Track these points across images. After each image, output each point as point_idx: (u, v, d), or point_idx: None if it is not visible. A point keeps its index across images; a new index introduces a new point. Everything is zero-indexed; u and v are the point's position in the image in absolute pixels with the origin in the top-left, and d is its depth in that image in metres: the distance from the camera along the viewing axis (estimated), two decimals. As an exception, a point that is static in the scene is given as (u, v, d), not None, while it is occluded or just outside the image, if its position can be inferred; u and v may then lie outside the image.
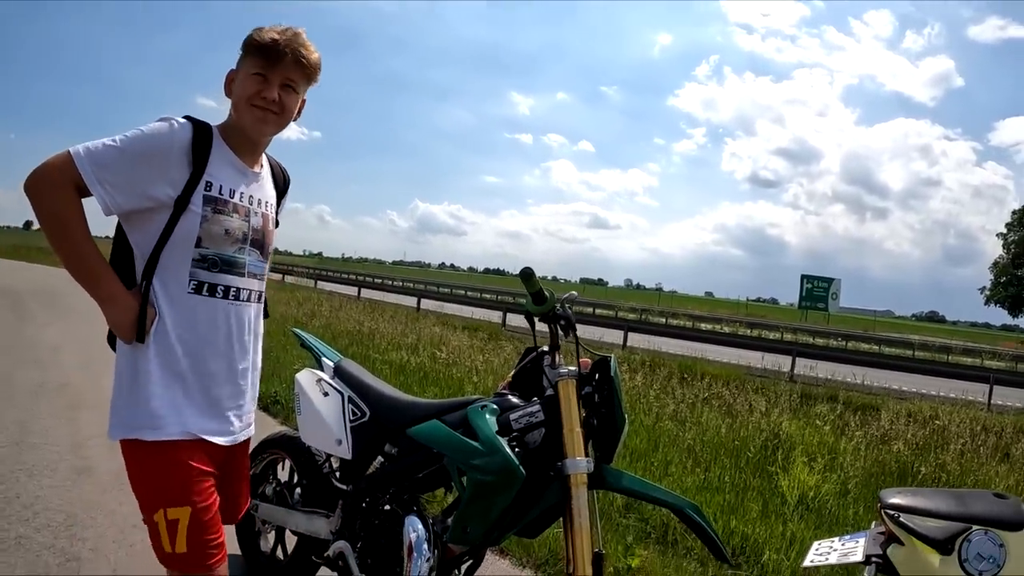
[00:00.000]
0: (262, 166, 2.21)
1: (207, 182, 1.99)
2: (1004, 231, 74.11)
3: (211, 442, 2.03)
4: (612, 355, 2.52)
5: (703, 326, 30.53)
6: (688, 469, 5.86)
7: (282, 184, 2.35)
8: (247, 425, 2.20)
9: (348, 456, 2.77)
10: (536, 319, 2.53)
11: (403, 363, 9.47)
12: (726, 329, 29.78)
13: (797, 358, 17.42)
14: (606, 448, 2.41)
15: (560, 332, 2.50)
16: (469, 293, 35.42)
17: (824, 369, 14.86)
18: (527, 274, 2.39)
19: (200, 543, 1.97)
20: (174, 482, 1.96)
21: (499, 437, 2.32)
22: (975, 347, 34.76)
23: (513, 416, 2.43)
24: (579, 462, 2.30)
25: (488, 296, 32.66)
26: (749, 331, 29.61)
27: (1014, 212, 74.49)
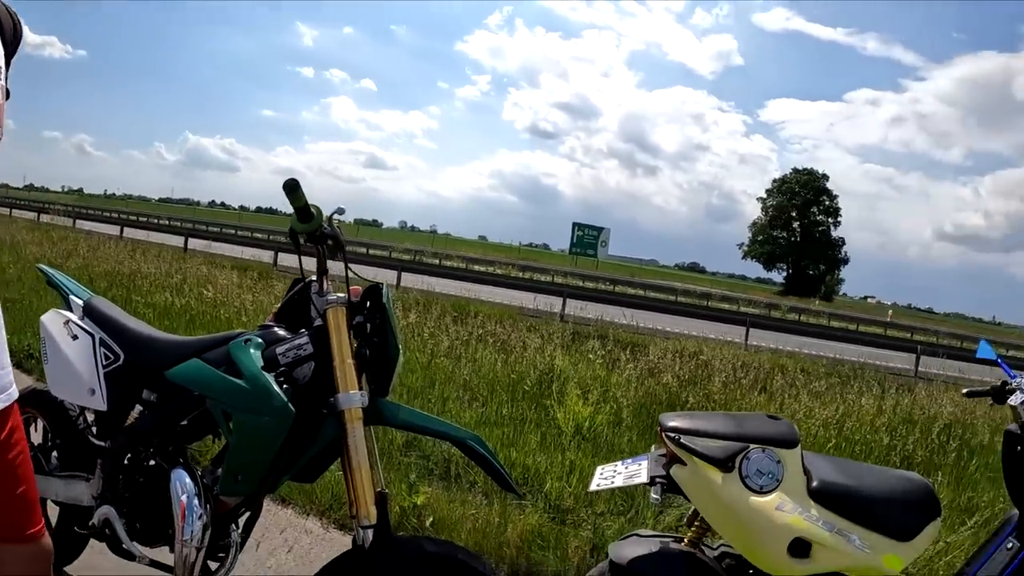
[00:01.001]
0: None
1: None
2: (764, 196, 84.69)
3: None
4: (384, 282, 2.31)
5: (477, 267, 30.94)
6: (466, 404, 5.90)
7: (11, 35, 1.67)
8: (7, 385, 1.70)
9: (103, 407, 2.42)
10: (303, 239, 2.25)
11: (167, 305, 8.80)
12: (499, 271, 30.35)
13: (568, 299, 18.05)
14: (381, 381, 2.21)
15: (328, 254, 2.28)
16: (240, 233, 34.12)
17: (593, 310, 15.41)
18: (291, 186, 2.12)
19: None
20: None
21: (265, 373, 2.10)
22: (732, 295, 37.75)
23: (280, 350, 2.19)
24: (352, 396, 2.11)
25: (259, 235, 31.29)
26: (521, 273, 30.25)
27: (775, 180, 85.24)
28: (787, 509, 2.19)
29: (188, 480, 2.20)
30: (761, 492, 2.22)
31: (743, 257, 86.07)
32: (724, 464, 2.25)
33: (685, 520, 2.76)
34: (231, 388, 2.11)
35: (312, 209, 2.19)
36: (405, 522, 3.82)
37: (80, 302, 2.64)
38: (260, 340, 2.21)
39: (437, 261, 31.49)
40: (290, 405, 2.06)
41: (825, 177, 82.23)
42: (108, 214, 39.40)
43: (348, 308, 2.21)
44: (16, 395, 1.69)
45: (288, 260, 19.12)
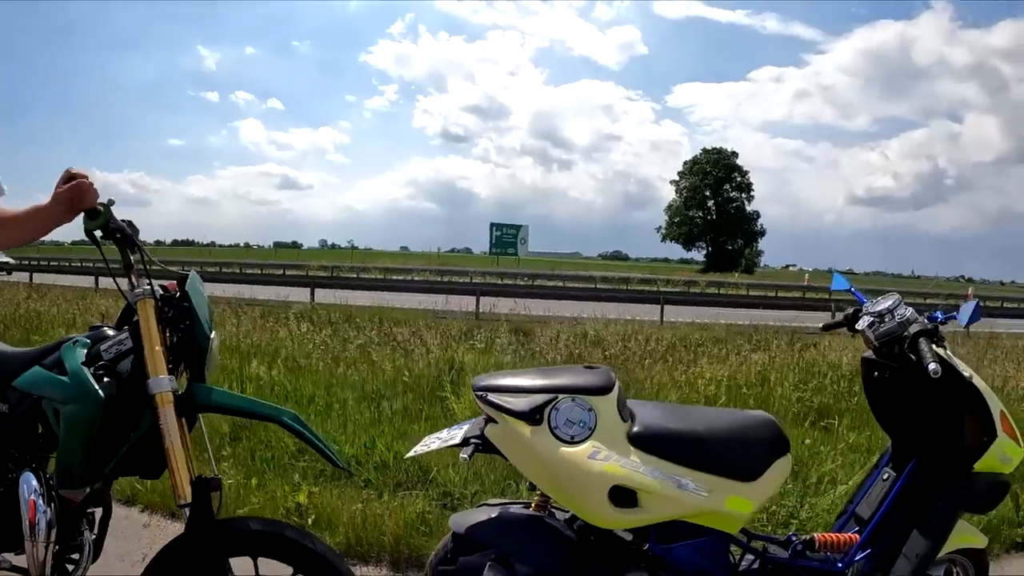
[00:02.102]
0: None
1: None
2: (677, 178, 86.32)
3: None
4: (192, 270, 2.37)
5: (395, 277, 30.84)
6: (364, 405, 5.89)
7: None
8: None
9: None
10: (100, 238, 2.26)
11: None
12: (417, 278, 30.28)
13: (482, 297, 18.10)
14: (195, 367, 2.27)
15: (130, 248, 2.29)
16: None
17: (507, 305, 15.46)
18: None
19: None
20: None
21: (84, 368, 2.13)
22: (652, 277, 38.18)
23: (104, 347, 2.23)
24: (161, 380, 2.12)
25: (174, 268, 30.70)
26: (440, 278, 30.21)
27: (686, 162, 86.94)
28: (600, 457, 2.13)
29: (34, 481, 2.21)
30: (572, 442, 2.15)
31: (662, 240, 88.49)
32: (532, 417, 2.19)
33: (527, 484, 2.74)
34: (56, 385, 2.14)
35: (99, 206, 2.20)
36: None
37: None
38: (87, 340, 2.26)
39: (355, 275, 31.26)
40: (100, 392, 2.09)
41: (735, 155, 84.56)
42: (23, 262, 38.10)
43: (160, 298, 2.24)
44: None
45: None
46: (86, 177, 2.18)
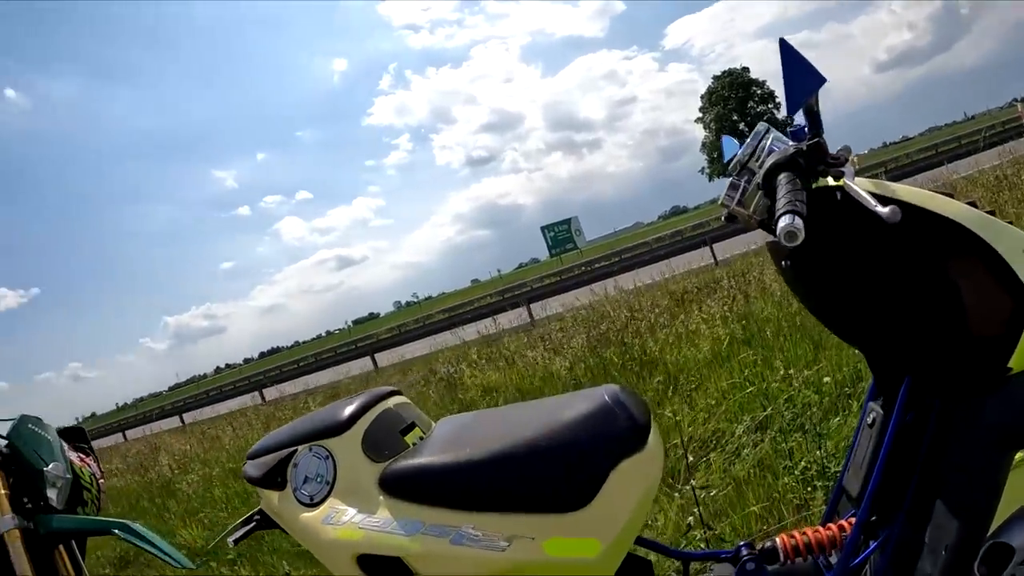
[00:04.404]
0: None
1: None
2: (700, 115, 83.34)
3: None
4: (21, 415, 2.48)
5: (462, 311, 30.81)
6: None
7: None
8: None
9: None
10: None
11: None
12: (480, 304, 30.18)
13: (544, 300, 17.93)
14: (40, 499, 2.38)
15: None
16: (224, 388, 34.83)
17: (562, 301, 15.15)
18: None
19: None
20: None
21: None
22: (705, 220, 37.33)
23: None
24: (4, 519, 2.20)
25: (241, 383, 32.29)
26: (501, 298, 29.99)
27: (702, 95, 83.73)
28: (333, 520, 1.54)
29: None
30: (311, 504, 1.60)
31: (710, 180, 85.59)
32: (272, 481, 1.67)
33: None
34: None
35: None
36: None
37: None
38: None
39: (420, 324, 31.29)
40: None
41: (746, 70, 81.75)
42: (120, 422, 39.67)
43: None
44: None
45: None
46: None
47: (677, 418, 4.02)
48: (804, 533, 1.69)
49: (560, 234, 66.34)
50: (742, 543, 1.73)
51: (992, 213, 1.45)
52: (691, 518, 2.89)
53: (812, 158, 1.49)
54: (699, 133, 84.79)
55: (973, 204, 1.45)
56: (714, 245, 19.04)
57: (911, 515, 1.53)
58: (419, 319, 36.46)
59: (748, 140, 1.65)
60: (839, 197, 1.46)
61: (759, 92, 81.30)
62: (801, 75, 1.50)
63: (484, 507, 1.46)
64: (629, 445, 1.47)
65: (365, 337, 35.25)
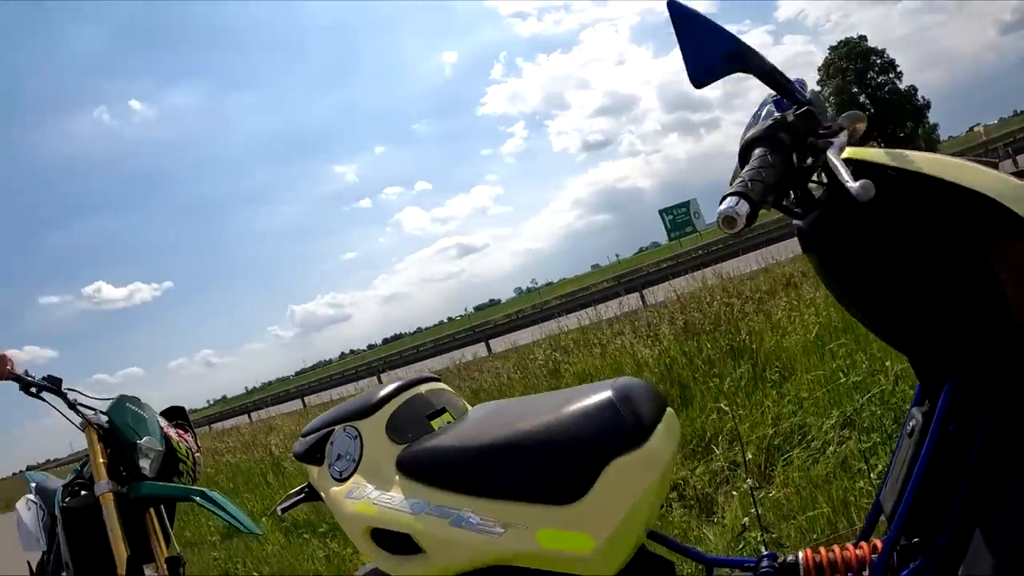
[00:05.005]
0: None
1: None
2: (817, 88, 78.35)
3: None
4: (117, 397, 3.08)
5: (578, 297, 30.75)
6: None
7: None
8: None
9: None
10: (36, 393, 3.00)
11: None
12: (595, 290, 30.03)
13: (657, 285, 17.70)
14: (133, 468, 2.86)
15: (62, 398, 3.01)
16: (346, 373, 35.18)
17: (673, 286, 14.88)
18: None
19: None
20: None
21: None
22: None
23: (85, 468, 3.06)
24: (101, 484, 2.76)
25: (362, 368, 32.96)
26: (617, 283, 29.74)
27: (819, 68, 77.96)
28: (355, 494, 1.66)
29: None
30: (340, 479, 1.72)
31: None
32: (314, 457, 1.81)
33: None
34: None
35: (13, 375, 2.99)
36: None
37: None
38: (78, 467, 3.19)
39: (538, 310, 31.40)
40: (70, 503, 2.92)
41: (863, 39, 76.35)
42: (246, 405, 41.18)
43: (98, 428, 2.92)
44: None
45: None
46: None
47: (753, 411, 3.83)
48: (832, 550, 1.49)
49: (679, 217, 65.26)
50: (766, 553, 1.58)
51: None
52: (747, 519, 2.73)
53: (800, 129, 1.30)
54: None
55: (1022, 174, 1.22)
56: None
57: (951, 540, 1.28)
58: (536, 305, 36.67)
59: (753, 113, 1.44)
60: (892, 174, 1.25)
61: (878, 62, 75.82)
62: (701, 40, 1.30)
63: (484, 493, 1.50)
64: (626, 442, 1.42)
65: (481, 324, 35.68)
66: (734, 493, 3.19)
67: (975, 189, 1.20)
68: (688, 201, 66.22)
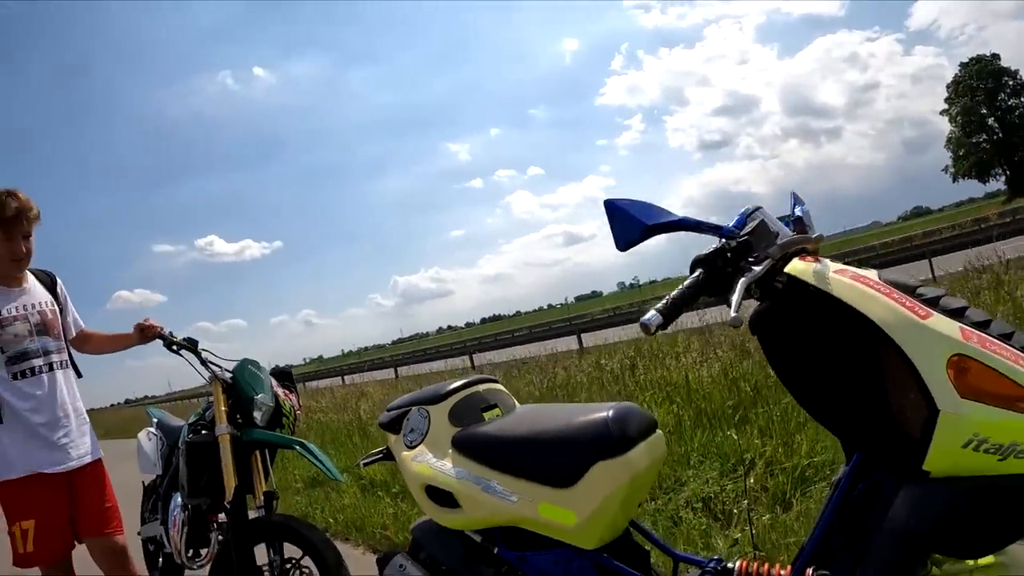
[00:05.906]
0: (26, 281, 3.28)
1: None
2: (946, 107, 74.14)
3: (50, 473, 3.09)
4: (242, 359, 3.71)
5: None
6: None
7: (50, 283, 3.46)
8: (85, 453, 3.27)
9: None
10: (176, 351, 3.70)
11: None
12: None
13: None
14: (247, 417, 3.51)
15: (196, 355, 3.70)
16: (440, 349, 35.48)
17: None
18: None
19: (43, 544, 3.09)
20: (22, 503, 3.07)
21: (188, 425, 3.81)
22: (944, 226, 34.32)
23: (207, 412, 3.77)
24: (221, 427, 3.41)
25: (457, 346, 33.16)
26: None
27: (948, 85, 74.54)
28: (419, 459, 2.28)
29: (178, 498, 3.70)
30: (410, 447, 2.35)
31: (953, 180, 75.54)
32: (392, 427, 2.45)
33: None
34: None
35: (161, 335, 3.68)
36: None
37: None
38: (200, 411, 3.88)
39: (636, 309, 31.17)
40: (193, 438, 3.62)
41: (996, 57, 71.78)
42: (337, 369, 41.81)
43: (223, 382, 3.57)
44: (100, 453, 3.39)
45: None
46: (151, 323, 3.64)
47: (790, 440, 4.17)
48: (763, 565, 1.85)
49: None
50: (715, 557, 2.00)
51: (964, 308, 1.46)
52: (740, 534, 3.20)
53: (735, 255, 1.65)
54: (946, 126, 74.80)
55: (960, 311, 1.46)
56: (934, 259, 17.11)
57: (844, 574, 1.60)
58: (634, 304, 36.59)
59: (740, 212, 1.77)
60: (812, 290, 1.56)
61: (1011, 83, 71.42)
62: (624, 225, 1.73)
63: (508, 471, 2.05)
64: (610, 450, 1.89)
65: (578, 316, 35.76)
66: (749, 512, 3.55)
67: (868, 316, 1.48)
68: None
